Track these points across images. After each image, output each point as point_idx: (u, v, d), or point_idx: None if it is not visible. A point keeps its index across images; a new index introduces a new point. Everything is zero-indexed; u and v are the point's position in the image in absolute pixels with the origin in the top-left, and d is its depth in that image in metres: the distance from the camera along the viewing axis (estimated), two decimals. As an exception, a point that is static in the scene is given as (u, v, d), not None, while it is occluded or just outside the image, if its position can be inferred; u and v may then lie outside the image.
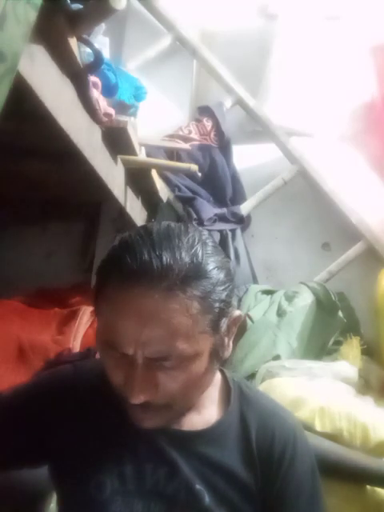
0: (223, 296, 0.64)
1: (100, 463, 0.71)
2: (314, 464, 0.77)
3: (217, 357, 0.67)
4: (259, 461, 0.72)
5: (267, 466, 0.72)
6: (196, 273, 0.61)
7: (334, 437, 1.12)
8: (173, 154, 1.81)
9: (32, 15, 0.60)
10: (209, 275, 0.62)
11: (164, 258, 0.60)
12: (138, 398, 0.62)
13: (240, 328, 1.52)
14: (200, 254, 0.62)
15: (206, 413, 0.74)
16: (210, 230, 1.76)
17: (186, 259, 0.61)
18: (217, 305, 0.63)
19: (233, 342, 0.71)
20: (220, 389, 0.78)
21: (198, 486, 0.70)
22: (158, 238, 0.62)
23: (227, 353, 0.70)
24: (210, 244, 0.66)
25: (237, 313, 0.69)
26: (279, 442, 0.73)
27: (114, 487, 0.70)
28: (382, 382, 1.54)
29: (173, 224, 0.66)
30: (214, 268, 0.63)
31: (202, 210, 1.79)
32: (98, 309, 0.66)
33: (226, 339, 0.68)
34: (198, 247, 0.63)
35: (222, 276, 0.64)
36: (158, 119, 1.97)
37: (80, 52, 0.88)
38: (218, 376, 0.77)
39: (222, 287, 0.64)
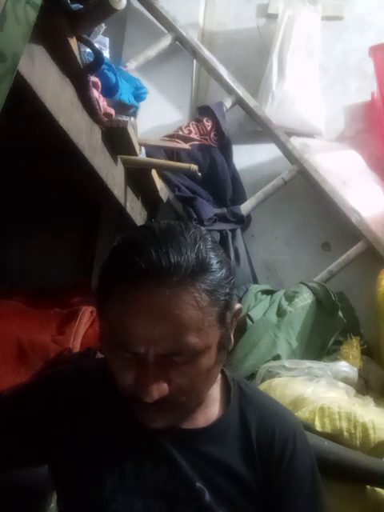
0: (227, 289, 0.65)
1: (100, 462, 0.71)
2: (314, 462, 0.77)
3: (223, 349, 0.68)
4: (259, 459, 0.73)
5: (267, 464, 0.73)
6: (202, 267, 0.62)
7: (334, 437, 1.12)
8: (173, 154, 1.81)
9: (32, 15, 0.60)
10: (213, 269, 0.64)
11: (171, 255, 0.60)
12: (151, 397, 0.62)
13: (240, 328, 1.53)
14: (203, 249, 0.64)
15: (207, 411, 0.75)
16: (210, 230, 1.76)
17: (192, 255, 0.62)
18: (222, 298, 0.64)
19: (233, 339, 0.72)
20: (220, 387, 0.78)
21: (198, 484, 0.70)
22: (161, 235, 0.63)
23: (231, 346, 0.71)
24: (210, 240, 0.67)
25: (237, 305, 0.71)
26: (279, 440, 0.74)
27: (114, 486, 0.70)
28: (382, 382, 1.54)
29: (172, 222, 0.67)
30: (217, 262, 0.65)
31: (202, 210, 1.79)
32: (104, 310, 0.65)
33: (230, 332, 0.70)
34: (201, 243, 0.64)
35: (224, 270, 0.65)
36: (158, 119, 1.97)
37: (80, 52, 0.88)
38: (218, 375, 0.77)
39: (226, 281, 0.65)
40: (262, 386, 1.33)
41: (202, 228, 0.69)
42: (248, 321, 1.59)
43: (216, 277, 0.63)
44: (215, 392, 0.77)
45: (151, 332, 0.60)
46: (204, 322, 0.62)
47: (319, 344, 1.63)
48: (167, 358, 0.62)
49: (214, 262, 0.64)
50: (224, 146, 1.92)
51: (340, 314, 1.67)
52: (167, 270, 0.60)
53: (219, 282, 0.64)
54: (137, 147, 1.32)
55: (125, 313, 0.62)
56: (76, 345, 1.39)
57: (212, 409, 0.75)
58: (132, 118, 1.34)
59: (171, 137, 1.86)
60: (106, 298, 0.64)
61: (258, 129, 1.97)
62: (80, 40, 0.86)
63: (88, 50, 0.93)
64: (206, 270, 0.62)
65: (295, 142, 1.92)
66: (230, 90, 1.94)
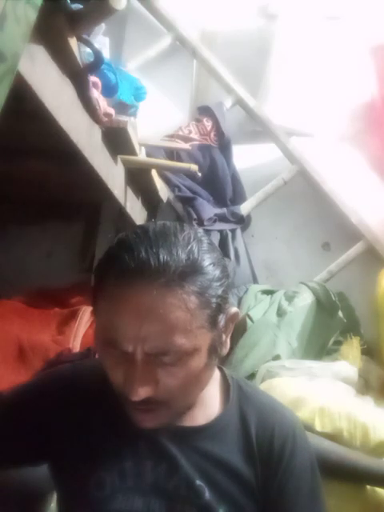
0: (220, 292, 0.65)
1: (100, 461, 0.72)
2: (313, 460, 0.77)
3: (215, 353, 0.68)
4: (259, 456, 0.73)
5: (267, 462, 0.73)
6: (192, 269, 0.62)
7: (334, 437, 1.12)
8: (173, 154, 1.81)
9: (32, 15, 0.60)
10: (205, 271, 0.63)
11: (161, 255, 0.60)
12: (137, 395, 0.62)
13: (240, 328, 1.54)
14: (196, 250, 0.63)
15: (206, 409, 0.75)
16: (210, 230, 1.77)
17: (183, 256, 0.62)
18: (214, 300, 0.64)
19: (233, 342, 0.72)
20: (219, 386, 0.78)
21: (198, 482, 0.70)
22: (154, 236, 0.63)
23: (225, 349, 0.70)
24: (206, 241, 0.67)
25: (234, 310, 0.70)
26: (279, 437, 0.74)
27: (114, 484, 0.70)
28: (382, 382, 1.54)
29: (168, 223, 0.67)
30: (209, 264, 0.64)
31: (202, 210, 1.79)
32: (96, 308, 0.66)
33: (224, 336, 0.69)
34: (194, 244, 0.64)
35: (218, 272, 0.65)
36: (158, 119, 1.97)
37: (80, 52, 0.88)
38: (216, 373, 0.78)
39: (219, 283, 0.65)
40: (262, 386, 1.33)
41: (199, 229, 0.69)
42: (248, 321, 1.59)
43: (207, 278, 0.63)
44: (214, 390, 0.77)
45: (138, 331, 0.60)
46: (192, 323, 0.61)
47: (319, 344, 1.63)
48: (155, 357, 0.62)
49: (206, 263, 0.63)
50: (224, 145, 1.92)
51: (340, 314, 1.67)
52: (156, 270, 0.60)
53: (210, 284, 0.63)
54: (137, 147, 1.32)
55: (114, 311, 0.62)
56: (76, 345, 1.39)
57: (211, 407, 0.75)
58: (132, 118, 1.33)
59: (171, 137, 1.86)
60: (98, 295, 0.65)
61: (258, 129, 1.97)
62: (80, 40, 0.86)
63: (88, 50, 0.93)
64: (196, 271, 0.62)
65: (295, 142, 1.92)
66: (229, 90, 1.94)
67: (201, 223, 1.76)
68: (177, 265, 0.61)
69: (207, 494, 0.69)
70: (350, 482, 1.08)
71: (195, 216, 1.78)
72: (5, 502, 0.95)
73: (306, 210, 2.00)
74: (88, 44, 0.89)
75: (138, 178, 1.50)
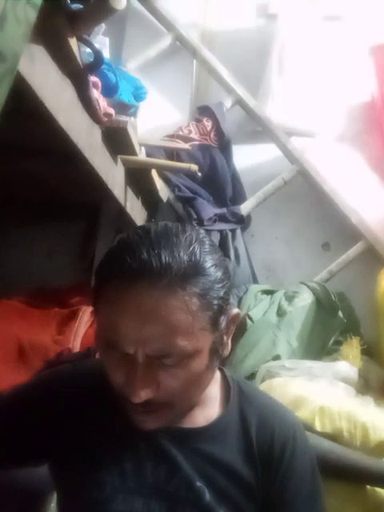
0: (221, 293, 0.64)
1: (100, 462, 0.71)
2: (313, 461, 0.77)
3: (216, 355, 0.68)
4: (259, 458, 0.73)
5: (267, 463, 0.73)
6: (194, 270, 0.62)
7: (334, 437, 1.12)
8: (173, 154, 1.81)
9: (32, 15, 0.60)
10: (207, 272, 0.63)
11: (163, 257, 0.60)
12: (139, 397, 0.62)
13: (240, 328, 1.54)
14: (198, 252, 0.63)
15: (206, 410, 0.75)
16: (210, 230, 1.77)
17: (185, 257, 0.61)
18: (216, 302, 0.63)
19: (233, 342, 0.72)
20: (220, 387, 0.78)
21: (198, 483, 0.70)
22: (156, 237, 0.62)
23: (226, 351, 0.70)
24: (207, 242, 0.66)
25: (235, 311, 0.70)
26: (279, 439, 0.74)
27: (114, 485, 0.70)
28: (382, 382, 1.54)
29: (170, 223, 0.67)
30: (211, 265, 0.64)
31: (202, 210, 1.79)
32: (97, 309, 0.66)
33: (225, 337, 0.69)
34: (196, 245, 0.63)
35: (219, 273, 0.65)
36: (158, 119, 1.97)
37: (80, 52, 0.88)
38: (217, 374, 0.78)
39: (221, 284, 0.64)
40: (262, 386, 1.33)
41: (201, 230, 0.69)
42: (248, 321, 1.59)
43: (209, 280, 0.62)
44: (215, 391, 0.77)
45: (140, 333, 0.60)
46: (194, 325, 0.61)
47: (319, 344, 1.63)
48: (157, 359, 0.62)
49: (208, 265, 0.63)
50: (224, 145, 1.92)
51: (340, 314, 1.67)
52: (158, 271, 0.60)
53: (212, 285, 0.63)
54: (137, 147, 1.32)
55: (115, 312, 0.62)
56: (76, 345, 1.39)
57: (212, 408, 0.75)
58: (132, 118, 1.33)
59: (171, 137, 1.86)
60: (99, 297, 0.65)
61: (258, 129, 1.97)
62: (80, 40, 0.86)
63: (88, 50, 0.93)
64: (198, 273, 0.62)
65: (295, 142, 1.92)
66: (230, 90, 1.94)
67: (201, 223, 1.76)
68: (179, 266, 0.60)
69: (207, 496, 0.69)
70: (350, 482, 1.08)
71: (195, 216, 1.78)
72: (5, 501, 0.95)
73: (306, 209, 2.00)
74: (88, 44, 0.89)
75: (137, 178, 1.50)
